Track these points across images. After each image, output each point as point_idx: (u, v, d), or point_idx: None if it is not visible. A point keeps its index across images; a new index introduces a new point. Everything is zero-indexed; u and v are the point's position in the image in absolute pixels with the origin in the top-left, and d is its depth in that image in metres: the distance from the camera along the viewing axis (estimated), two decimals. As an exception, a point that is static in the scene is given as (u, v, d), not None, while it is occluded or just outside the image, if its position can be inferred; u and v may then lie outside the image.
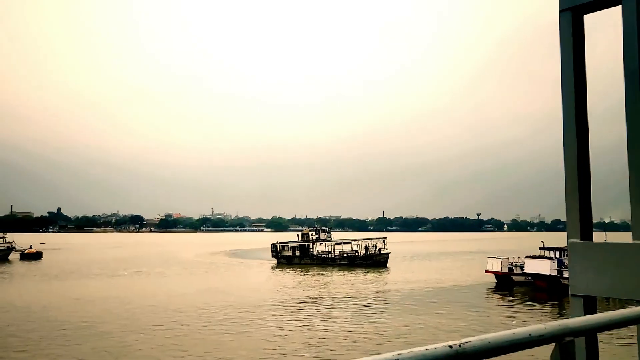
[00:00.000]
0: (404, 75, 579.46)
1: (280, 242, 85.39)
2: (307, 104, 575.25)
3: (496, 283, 52.74)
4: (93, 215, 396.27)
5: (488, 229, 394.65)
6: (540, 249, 53.95)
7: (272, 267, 75.43)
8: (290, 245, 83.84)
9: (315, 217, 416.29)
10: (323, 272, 66.42)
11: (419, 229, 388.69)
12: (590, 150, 3.39)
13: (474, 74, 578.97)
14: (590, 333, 2.24)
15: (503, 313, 37.94)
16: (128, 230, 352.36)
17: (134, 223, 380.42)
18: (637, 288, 3.01)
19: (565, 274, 48.72)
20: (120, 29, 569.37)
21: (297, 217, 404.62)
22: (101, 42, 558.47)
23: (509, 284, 51.91)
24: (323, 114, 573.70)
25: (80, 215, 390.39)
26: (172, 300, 41.00)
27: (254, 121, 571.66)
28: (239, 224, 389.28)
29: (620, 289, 3.13)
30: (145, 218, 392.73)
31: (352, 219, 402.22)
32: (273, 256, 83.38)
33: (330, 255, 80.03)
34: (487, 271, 54.64)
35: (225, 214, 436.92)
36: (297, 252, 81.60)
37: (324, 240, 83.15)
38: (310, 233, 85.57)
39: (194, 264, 78.98)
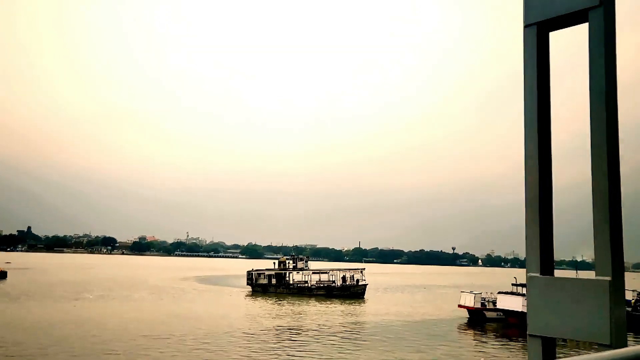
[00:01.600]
0: (389, 111, 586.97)
1: (256, 270, 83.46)
2: (289, 132, 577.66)
3: (468, 318, 52.44)
4: (64, 235, 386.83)
5: (463, 263, 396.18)
6: (513, 285, 53.92)
7: (245, 295, 73.96)
8: (267, 273, 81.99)
9: (291, 245, 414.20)
10: (299, 302, 65.27)
11: (395, 260, 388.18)
12: (554, 177, 2.93)
13: (457, 114, 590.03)
14: None
15: (474, 348, 37.47)
16: (100, 252, 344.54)
17: (106, 245, 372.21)
18: (600, 330, 2.60)
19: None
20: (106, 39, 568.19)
21: (273, 244, 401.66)
22: (88, 58, 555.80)
23: (481, 319, 51.63)
24: (304, 142, 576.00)
25: (50, 235, 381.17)
26: (133, 325, 39.55)
27: (235, 145, 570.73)
28: (214, 250, 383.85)
29: (582, 331, 2.72)
30: (118, 240, 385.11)
31: (328, 249, 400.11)
32: (248, 284, 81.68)
33: (307, 284, 78.61)
34: (459, 306, 54.32)
35: (200, 238, 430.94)
36: (273, 281, 79.75)
37: (301, 269, 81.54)
38: (287, 261, 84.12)
39: (162, 289, 76.99)
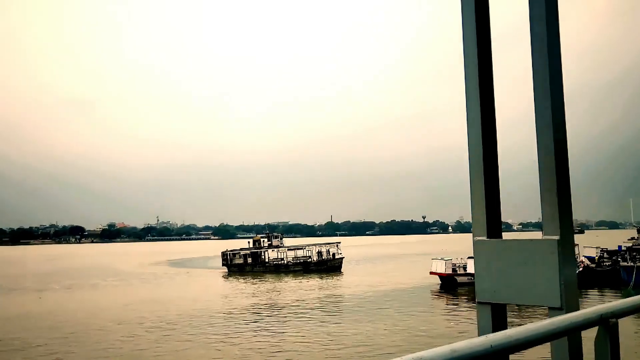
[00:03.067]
0: (358, 88, 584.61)
1: (231, 250, 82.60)
2: (257, 110, 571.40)
3: (440, 284, 53.04)
4: (30, 227, 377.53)
5: (434, 231, 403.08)
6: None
7: (221, 276, 73.27)
8: (242, 252, 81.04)
9: (263, 224, 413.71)
10: (276, 280, 64.97)
11: (367, 232, 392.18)
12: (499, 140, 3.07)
13: (425, 82, 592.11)
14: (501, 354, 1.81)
15: (447, 313, 37.96)
16: (68, 242, 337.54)
17: (74, 234, 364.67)
18: (550, 293, 2.63)
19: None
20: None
21: (245, 223, 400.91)
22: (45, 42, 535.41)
23: (453, 284, 52.26)
24: (271, 120, 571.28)
25: (15, 227, 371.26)
26: (101, 314, 38.55)
27: (203, 127, 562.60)
28: (186, 233, 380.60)
29: (532, 295, 2.73)
30: (87, 228, 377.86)
31: (301, 225, 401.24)
32: (223, 264, 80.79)
33: (283, 261, 78.02)
34: (431, 273, 54.81)
35: (171, 222, 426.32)
36: (249, 260, 78.98)
37: (277, 246, 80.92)
38: (261, 240, 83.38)
39: (132, 275, 75.70)
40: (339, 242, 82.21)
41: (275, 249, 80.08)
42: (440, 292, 49.96)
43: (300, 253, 79.89)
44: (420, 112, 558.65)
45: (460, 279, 52.25)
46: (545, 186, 2.81)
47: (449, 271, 53.17)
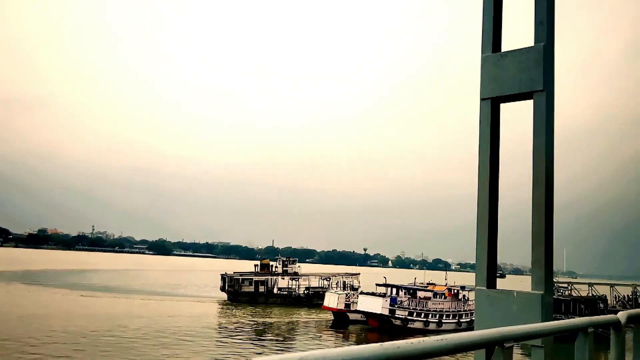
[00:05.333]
0: (311, 120, 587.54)
1: (239, 274, 70.71)
2: (207, 124, 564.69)
3: (333, 320, 51.11)
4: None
5: (374, 263, 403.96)
6: (377, 285, 53.27)
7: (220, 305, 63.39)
8: (254, 279, 68.70)
9: (202, 242, 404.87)
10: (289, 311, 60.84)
11: (307, 260, 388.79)
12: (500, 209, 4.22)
13: (365, 114, 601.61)
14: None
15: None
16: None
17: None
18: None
19: (398, 313, 48.28)
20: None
21: (185, 241, 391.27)
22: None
23: (345, 321, 50.44)
24: (225, 139, 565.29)
25: None
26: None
27: (148, 138, 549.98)
28: (119, 244, 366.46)
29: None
30: (15, 232, 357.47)
31: (241, 247, 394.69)
32: (227, 291, 68.64)
33: (296, 291, 68.71)
34: (324, 307, 52.87)
35: (108, 233, 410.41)
36: (261, 288, 67.79)
37: (294, 274, 70.92)
38: (271, 264, 73.53)
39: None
40: (359, 274, 73.95)
41: (285, 276, 70.39)
42: (329, 329, 47.88)
43: (314, 283, 70.58)
44: (374, 153, 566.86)
45: (352, 316, 50.61)
46: (535, 253, 3.85)
47: (342, 306, 51.31)
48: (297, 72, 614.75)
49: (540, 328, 3.13)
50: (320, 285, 69.63)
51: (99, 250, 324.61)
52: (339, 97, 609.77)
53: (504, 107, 4.31)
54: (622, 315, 4.04)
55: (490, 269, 3.98)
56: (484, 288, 3.92)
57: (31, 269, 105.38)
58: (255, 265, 74.83)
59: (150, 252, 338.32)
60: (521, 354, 19.64)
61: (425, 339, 2.09)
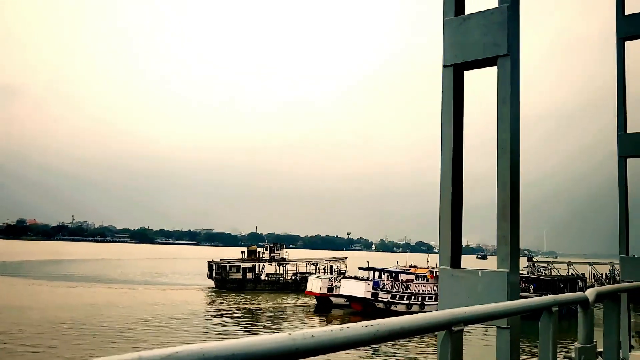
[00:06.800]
0: (294, 101, 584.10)
1: (226, 260, 69.21)
2: (192, 110, 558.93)
3: (316, 305, 51.14)
4: None
5: (357, 248, 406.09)
6: (360, 269, 53.37)
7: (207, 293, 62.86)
8: (242, 265, 67.86)
9: (185, 230, 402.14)
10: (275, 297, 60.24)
11: (291, 245, 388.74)
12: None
13: (363, 101, 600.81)
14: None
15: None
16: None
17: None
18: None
19: (381, 296, 48.46)
20: None
21: (167, 229, 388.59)
22: None
23: (328, 305, 50.51)
24: (204, 125, 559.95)
25: None
26: None
27: (130, 126, 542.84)
28: (100, 234, 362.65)
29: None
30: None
31: (224, 234, 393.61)
32: (213, 278, 67.36)
33: (283, 277, 68.35)
34: (306, 292, 52.84)
35: (88, 222, 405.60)
36: (249, 275, 66.92)
37: (281, 260, 70.12)
38: (258, 251, 72.45)
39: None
40: (346, 258, 73.85)
41: (273, 263, 69.74)
42: (312, 314, 47.95)
43: (301, 268, 70.50)
44: (359, 136, 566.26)
45: (335, 300, 50.68)
46: (500, 229, 3.59)
47: (325, 291, 51.33)
48: (296, 71, 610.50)
49: (499, 308, 2.91)
50: (307, 271, 69.34)
51: (79, 240, 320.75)
52: (321, 81, 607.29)
53: (469, 75, 4.00)
54: (590, 293, 3.89)
55: (455, 247, 3.75)
56: (448, 267, 3.70)
57: (9, 260, 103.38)
58: (242, 252, 74.27)
59: (132, 241, 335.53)
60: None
61: (351, 325, 1.75)
